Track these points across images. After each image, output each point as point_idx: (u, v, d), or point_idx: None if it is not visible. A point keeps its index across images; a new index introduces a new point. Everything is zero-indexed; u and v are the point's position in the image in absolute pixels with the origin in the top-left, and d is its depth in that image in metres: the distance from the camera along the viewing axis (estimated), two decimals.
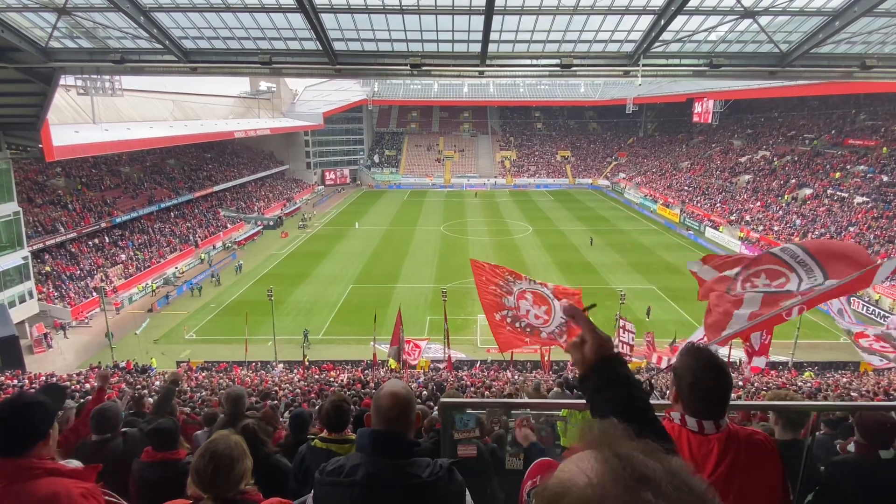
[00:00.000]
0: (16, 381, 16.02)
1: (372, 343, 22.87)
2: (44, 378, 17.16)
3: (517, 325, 11.65)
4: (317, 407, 8.13)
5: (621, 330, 19.10)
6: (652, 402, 2.31)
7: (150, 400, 11.27)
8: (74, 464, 2.58)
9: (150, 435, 3.56)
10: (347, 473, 1.89)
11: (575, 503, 0.72)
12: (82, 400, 10.75)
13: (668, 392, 2.12)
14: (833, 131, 51.47)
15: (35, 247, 30.55)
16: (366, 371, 21.11)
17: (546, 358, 20.82)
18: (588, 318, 1.66)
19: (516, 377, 19.44)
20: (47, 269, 31.55)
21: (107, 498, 2.11)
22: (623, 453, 0.75)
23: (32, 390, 12.79)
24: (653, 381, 14.64)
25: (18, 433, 1.96)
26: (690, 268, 6.78)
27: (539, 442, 4.28)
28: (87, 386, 15.26)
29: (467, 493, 2.02)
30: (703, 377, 1.89)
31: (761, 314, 5.89)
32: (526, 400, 8.43)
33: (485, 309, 12.22)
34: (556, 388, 11.14)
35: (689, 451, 1.89)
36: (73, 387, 14.82)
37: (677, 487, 0.69)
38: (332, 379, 18.01)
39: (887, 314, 28.87)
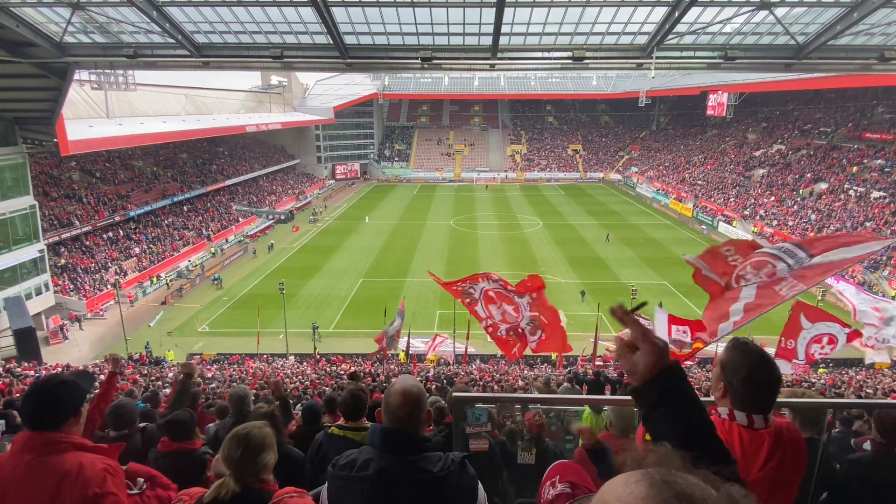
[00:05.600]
0: (33, 372, 16.30)
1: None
2: (60, 369, 17.44)
3: (499, 333, 11.06)
4: (324, 397, 8.17)
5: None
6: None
7: (166, 392, 11.44)
8: None
9: (167, 425, 3.61)
10: (359, 468, 1.91)
11: None
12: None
13: (710, 388, 2.13)
14: (850, 125, 50.62)
15: (51, 240, 30.99)
16: (375, 364, 21.21)
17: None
18: (638, 320, 1.47)
19: (526, 372, 19.45)
20: (63, 261, 32.01)
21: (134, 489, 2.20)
22: (680, 487, 0.72)
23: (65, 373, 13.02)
24: None
25: (52, 409, 2.09)
26: (685, 258, 6.17)
27: (550, 440, 4.28)
28: (102, 377, 15.50)
29: (480, 486, 2.03)
30: (757, 371, 1.90)
31: (759, 303, 5.55)
32: (537, 395, 8.44)
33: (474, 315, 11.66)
34: (566, 384, 11.14)
35: (740, 446, 1.90)
36: None
37: None
38: (341, 372, 18.14)
39: None
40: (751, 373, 1.90)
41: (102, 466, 2.04)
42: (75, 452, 2.04)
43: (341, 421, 3.45)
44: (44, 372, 16.62)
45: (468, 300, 11.19)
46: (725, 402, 1.97)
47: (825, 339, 9.75)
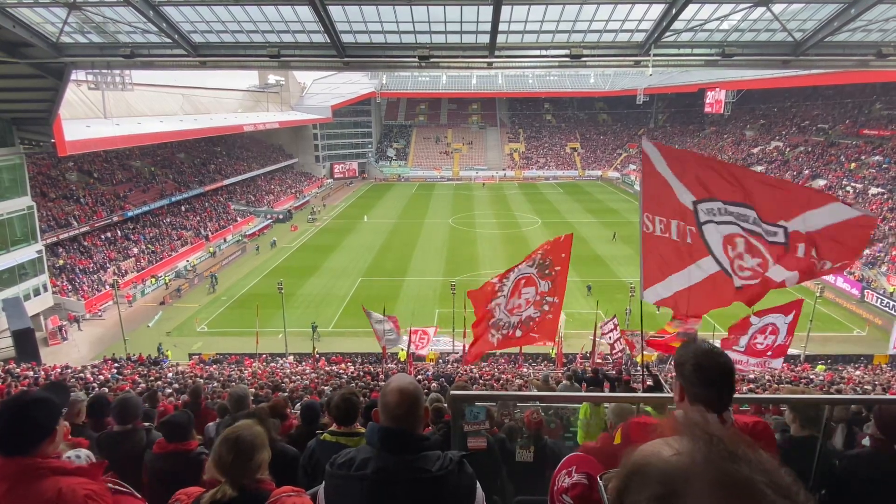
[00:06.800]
0: (31, 373, 16.27)
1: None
2: (59, 370, 17.42)
3: (496, 329, 10.74)
4: (324, 398, 8.18)
5: (611, 333, 19.08)
6: (663, 395, 2.27)
7: (167, 392, 11.43)
8: (84, 454, 2.59)
9: (163, 426, 3.60)
10: (358, 467, 1.90)
11: (660, 473, 0.69)
12: (98, 390, 10.90)
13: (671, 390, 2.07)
14: (848, 121, 50.66)
15: (49, 240, 30.92)
16: (375, 364, 21.23)
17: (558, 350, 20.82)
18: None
19: (524, 370, 19.47)
20: (61, 262, 31.95)
21: (117, 489, 2.11)
22: (715, 431, 0.72)
23: (35, 388, 13.01)
24: (659, 374, 14.56)
25: (25, 431, 1.92)
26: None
27: (548, 437, 4.28)
28: (101, 377, 15.48)
29: (478, 485, 2.02)
30: (705, 359, 1.89)
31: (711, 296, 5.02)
32: (536, 393, 8.44)
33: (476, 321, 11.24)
34: (564, 381, 11.14)
35: None
36: (87, 378, 15.04)
37: (766, 471, 0.66)
38: (340, 371, 18.13)
39: None
40: (698, 361, 1.89)
41: (84, 493, 1.88)
42: (53, 478, 1.88)
43: (333, 426, 3.39)
44: (42, 373, 16.58)
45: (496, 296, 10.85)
46: (683, 405, 1.94)
47: (768, 330, 9.93)
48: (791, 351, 23.01)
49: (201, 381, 14.61)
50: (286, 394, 11.08)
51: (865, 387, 14.39)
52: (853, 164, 43.85)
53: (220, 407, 6.52)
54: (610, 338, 19.35)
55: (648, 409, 3.38)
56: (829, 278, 33.30)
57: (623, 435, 2.23)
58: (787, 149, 53.62)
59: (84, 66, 21.69)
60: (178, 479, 2.72)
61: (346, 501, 1.93)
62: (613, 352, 19.27)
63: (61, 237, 32.86)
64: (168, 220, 43.39)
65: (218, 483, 2.13)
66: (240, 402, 4.90)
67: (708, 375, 1.88)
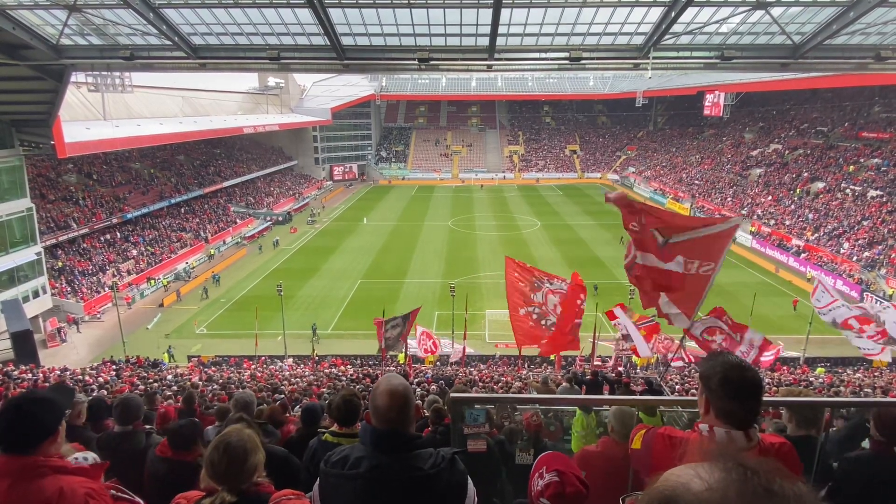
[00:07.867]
0: (30, 375, 16.23)
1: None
2: (58, 372, 17.39)
3: (542, 322, 11.75)
4: (326, 401, 8.16)
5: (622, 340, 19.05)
6: (664, 397, 2.27)
7: (164, 395, 11.39)
8: (91, 456, 2.58)
9: (170, 434, 3.59)
10: (351, 466, 1.94)
11: None
12: (95, 394, 10.89)
13: (694, 395, 2.02)
14: (846, 124, 50.73)
15: (48, 242, 30.90)
16: (374, 366, 21.20)
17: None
18: None
19: (523, 373, 19.44)
20: (60, 264, 31.91)
21: (119, 494, 2.11)
22: (749, 464, 0.67)
23: (43, 386, 12.97)
24: (659, 378, 14.56)
25: (28, 428, 1.95)
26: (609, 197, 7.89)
27: (548, 440, 4.28)
28: (101, 379, 15.46)
29: (469, 480, 2.05)
30: (732, 373, 1.86)
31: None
32: (535, 396, 8.44)
33: (509, 305, 12.33)
34: (564, 384, 11.13)
35: None
36: (86, 380, 15.02)
37: None
38: (340, 374, 18.11)
39: None
40: (725, 374, 1.86)
41: (84, 492, 1.90)
42: (54, 476, 1.90)
43: (335, 427, 3.41)
44: (41, 375, 16.55)
45: (527, 286, 12.12)
46: (708, 419, 1.91)
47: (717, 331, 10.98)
48: (790, 353, 23.07)
49: (200, 382, 14.59)
50: (282, 397, 11.05)
51: (865, 390, 14.40)
52: (852, 167, 43.91)
53: (218, 410, 6.50)
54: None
55: (641, 414, 3.38)
56: (829, 279, 33.30)
57: (644, 443, 2.20)
58: (786, 151, 53.69)
59: (84, 68, 21.73)
60: (177, 482, 2.72)
61: (341, 499, 1.96)
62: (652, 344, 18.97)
63: (60, 239, 32.84)
64: (167, 221, 43.37)
65: (215, 490, 2.12)
66: (245, 409, 4.86)
67: (735, 389, 1.85)
